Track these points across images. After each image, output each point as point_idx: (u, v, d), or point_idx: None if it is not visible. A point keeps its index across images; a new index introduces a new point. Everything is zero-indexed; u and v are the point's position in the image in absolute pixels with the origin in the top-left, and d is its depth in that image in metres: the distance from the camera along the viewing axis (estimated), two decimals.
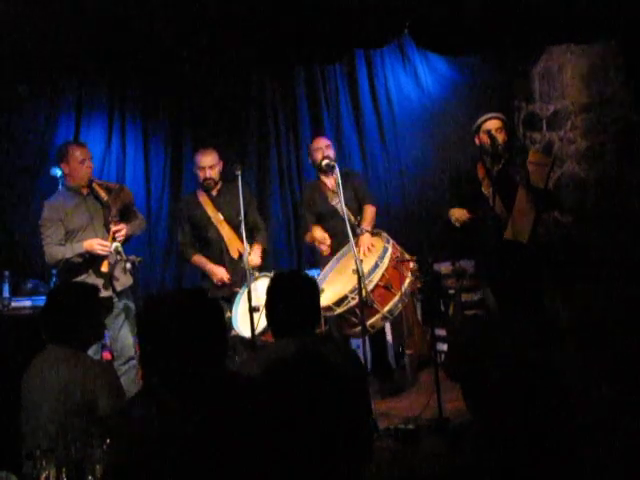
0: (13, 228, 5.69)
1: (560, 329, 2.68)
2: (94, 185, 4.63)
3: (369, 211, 5.30)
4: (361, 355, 4.23)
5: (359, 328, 4.61)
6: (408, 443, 4.16)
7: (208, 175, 5.09)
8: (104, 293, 4.41)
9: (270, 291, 2.96)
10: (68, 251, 4.48)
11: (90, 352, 3.51)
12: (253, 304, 4.33)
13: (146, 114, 6.31)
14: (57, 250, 4.49)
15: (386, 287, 4.73)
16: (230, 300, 4.89)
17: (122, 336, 4.61)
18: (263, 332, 4.37)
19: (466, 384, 2.84)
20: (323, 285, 4.84)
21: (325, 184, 5.35)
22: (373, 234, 5.13)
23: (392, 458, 3.90)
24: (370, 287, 4.62)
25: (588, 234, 5.26)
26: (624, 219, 4.95)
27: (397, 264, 4.79)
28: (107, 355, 4.94)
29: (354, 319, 4.70)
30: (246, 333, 4.53)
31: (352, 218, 5.12)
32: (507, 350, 2.70)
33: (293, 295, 2.91)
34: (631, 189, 4.97)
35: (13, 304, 5.10)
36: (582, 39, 5.05)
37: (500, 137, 4.78)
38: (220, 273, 5.04)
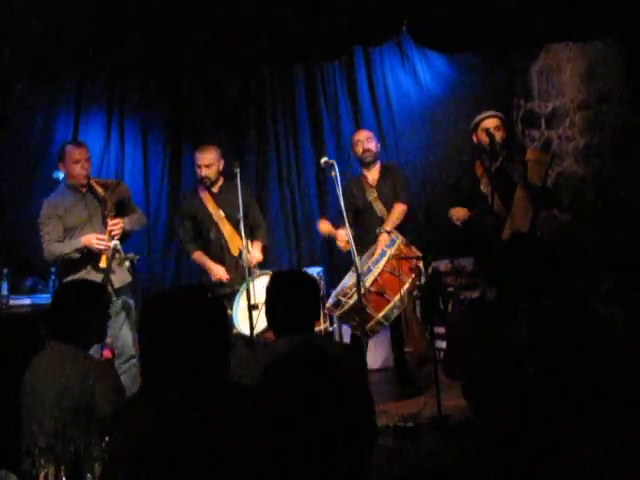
0: (12, 226, 5.68)
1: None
2: (91, 182, 4.64)
3: (396, 210, 5.19)
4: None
5: (361, 331, 4.64)
6: (407, 441, 4.17)
7: (204, 173, 5.09)
8: None
9: (270, 290, 2.96)
10: (66, 247, 4.49)
11: (91, 350, 3.51)
12: (253, 302, 4.34)
13: (145, 112, 6.30)
14: (55, 246, 4.51)
15: (379, 293, 4.74)
16: (231, 298, 4.90)
17: (123, 334, 4.61)
18: (264, 331, 4.38)
19: (465, 382, 2.85)
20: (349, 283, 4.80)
21: (366, 178, 5.33)
22: (391, 234, 5.04)
23: (391, 456, 3.91)
24: (361, 292, 4.63)
25: (586, 232, 5.26)
26: (622, 217, 4.95)
27: (395, 268, 4.77)
28: (107, 353, 4.93)
29: (353, 322, 4.73)
30: (246, 331, 4.55)
31: (385, 215, 5.15)
32: (506, 347, 2.70)
33: (293, 293, 2.91)
34: (629, 187, 4.98)
35: (12, 302, 5.09)
36: (581, 37, 5.05)
37: (498, 135, 4.79)
38: (219, 272, 5.05)
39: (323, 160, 4.96)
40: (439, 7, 4.57)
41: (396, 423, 4.34)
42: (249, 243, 4.90)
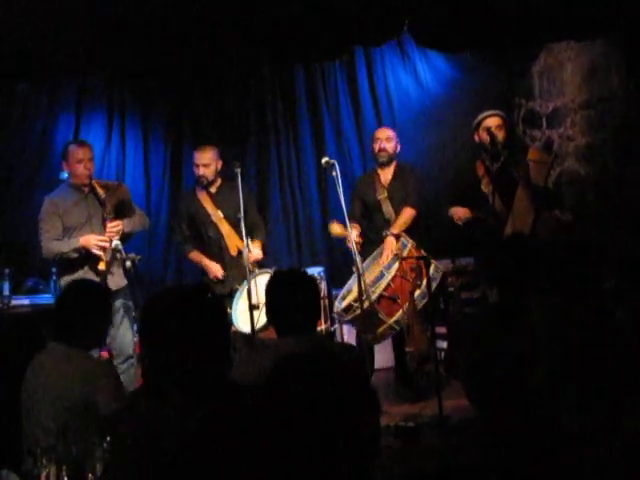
0: (14, 226, 5.69)
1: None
2: (93, 183, 4.65)
3: (405, 214, 5.13)
4: None
5: (371, 336, 4.69)
6: (408, 440, 4.17)
7: (201, 173, 5.10)
8: None
9: (269, 290, 2.96)
10: (64, 246, 4.50)
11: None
12: (253, 301, 4.35)
13: (146, 112, 6.31)
14: (54, 244, 4.52)
15: (392, 298, 4.72)
16: (230, 296, 4.90)
17: (121, 334, 4.61)
18: (263, 328, 4.38)
19: (467, 381, 2.85)
20: (354, 286, 4.79)
21: (379, 176, 5.29)
22: (399, 238, 5.00)
23: (392, 455, 3.91)
24: (373, 297, 4.61)
25: (587, 232, 5.26)
26: (623, 216, 4.95)
27: (405, 272, 4.74)
28: (105, 354, 4.94)
29: (364, 327, 4.73)
30: (245, 329, 4.57)
31: (392, 216, 5.12)
32: (508, 346, 2.70)
33: (293, 293, 2.91)
34: (631, 186, 4.97)
35: (13, 302, 5.11)
36: (582, 36, 5.04)
37: (500, 135, 4.79)
38: (214, 269, 5.06)
39: (324, 160, 4.96)
40: (440, 7, 4.57)
41: (397, 423, 4.35)
42: (250, 242, 4.90)
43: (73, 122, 6.04)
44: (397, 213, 5.14)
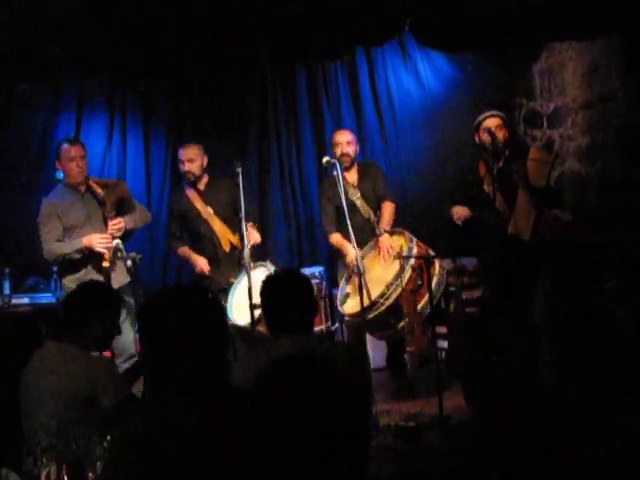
0: (14, 226, 5.69)
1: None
2: (90, 182, 4.64)
3: (388, 209, 5.20)
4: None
5: (390, 332, 4.76)
6: (408, 440, 4.16)
7: (187, 169, 5.11)
8: None
9: (264, 290, 2.97)
10: (67, 247, 4.49)
11: None
12: (251, 294, 4.36)
13: (147, 112, 6.31)
14: (56, 246, 4.51)
15: (414, 291, 4.74)
16: (226, 291, 4.91)
17: (123, 334, 4.60)
18: (258, 321, 4.39)
19: (467, 381, 2.85)
20: (348, 289, 4.88)
21: (346, 178, 5.21)
22: (392, 233, 5.07)
23: (392, 455, 3.91)
24: (398, 292, 4.66)
25: (588, 232, 5.25)
26: (624, 216, 4.94)
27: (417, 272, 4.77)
28: (107, 352, 4.94)
29: (382, 323, 4.74)
30: (241, 322, 4.62)
31: (371, 214, 5.11)
32: (508, 346, 2.70)
33: (287, 293, 2.92)
34: (631, 186, 4.96)
35: (14, 301, 5.11)
36: (583, 36, 5.04)
37: (500, 135, 4.78)
38: (201, 264, 5.07)
39: (325, 159, 4.95)
40: (441, 7, 4.57)
41: (397, 422, 4.34)
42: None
43: (74, 122, 6.05)
44: (373, 210, 5.15)
